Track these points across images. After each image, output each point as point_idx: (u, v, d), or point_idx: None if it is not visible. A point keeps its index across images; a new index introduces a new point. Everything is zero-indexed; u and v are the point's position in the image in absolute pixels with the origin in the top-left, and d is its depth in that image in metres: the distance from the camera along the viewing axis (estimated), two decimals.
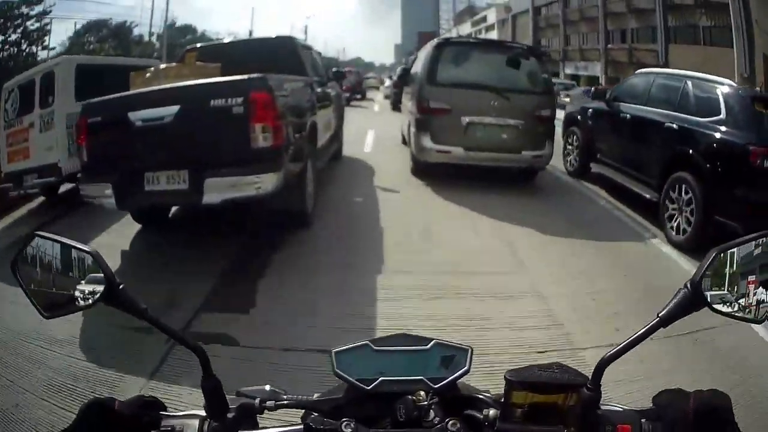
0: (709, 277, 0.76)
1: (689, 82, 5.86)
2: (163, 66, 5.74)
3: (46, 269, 0.82)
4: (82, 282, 0.81)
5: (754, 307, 0.77)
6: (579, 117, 8.30)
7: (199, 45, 7.34)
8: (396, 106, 16.64)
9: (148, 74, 5.29)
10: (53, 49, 30.37)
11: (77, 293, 0.81)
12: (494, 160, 7.15)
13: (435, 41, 7.96)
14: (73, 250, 0.81)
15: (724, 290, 0.77)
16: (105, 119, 4.41)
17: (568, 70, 40.95)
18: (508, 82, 7.17)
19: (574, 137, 8.39)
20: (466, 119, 6.97)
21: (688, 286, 0.76)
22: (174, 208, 5.83)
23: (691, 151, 5.30)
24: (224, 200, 4.18)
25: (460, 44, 8.24)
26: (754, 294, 0.77)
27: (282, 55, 6.42)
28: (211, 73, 5.32)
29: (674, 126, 5.65)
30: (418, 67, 8.37)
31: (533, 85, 7.39)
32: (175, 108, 4.17)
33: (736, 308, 0.77)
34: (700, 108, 5.48)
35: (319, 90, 6.63)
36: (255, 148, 4.12)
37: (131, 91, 4.81)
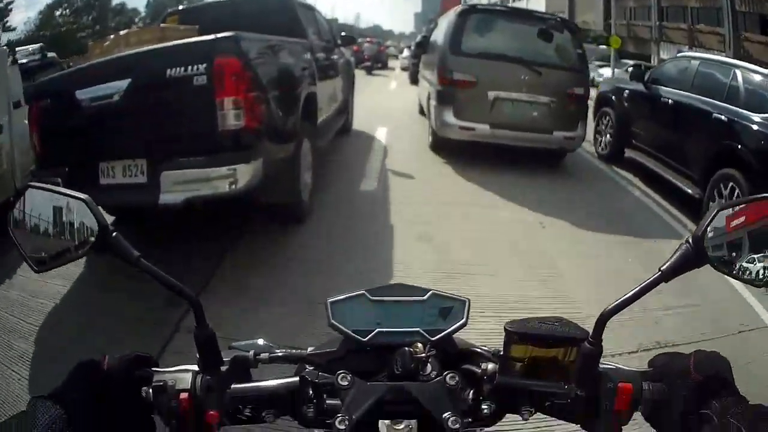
0: (711, 236, 0.73)
1: (739, 73, 5.43)
2: (123, 32, 4.95)
3: (39, 221, 0.76)
4: (74, 231, 0.76)
5: (757, 270, 0.74)
6: (613, 97, 7.73)
7: (180, 7, 6.54)
8: (415, 78, 15.30)
9: (107, 42, 4.51)
10: (13, 29, 26.11)
11: (69, 243, 0.76)
12: (522, 140, 6.52)
13: (459, 8, 7.16)
14: (65, 198, 0.75)
15: (724, 250, 0.74)
16: (53, 100, 3.67)
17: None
18: (539, 56, 6.53)
19: (608, 119, 7.80)
20: (492, 94, 6.36)
21: (690, 241, 0.73)
22: None
23: (740, 146, 4.89)
24: (186, 199, 3.30)
25: (487, 12, 7.34)
26: (757, 257, 0.74)
27: (277, 16, 5.55)
28: (182, 36, 4.50)
29: (723, 118, 5.19)
30: (438, 36, 7.72)
31: (566, 60, 6.73)
32: (125, 82, 3.34)
33: (737, 268, 0.74)
34: (753, 101, 5.09)
35: (322, 56, 5.80)
36: (224, 129, 3.26)
37: (79, 65, 4.02)
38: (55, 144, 3.68)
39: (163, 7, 30.24)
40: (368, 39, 25.09)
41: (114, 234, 0.75)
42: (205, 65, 3.23)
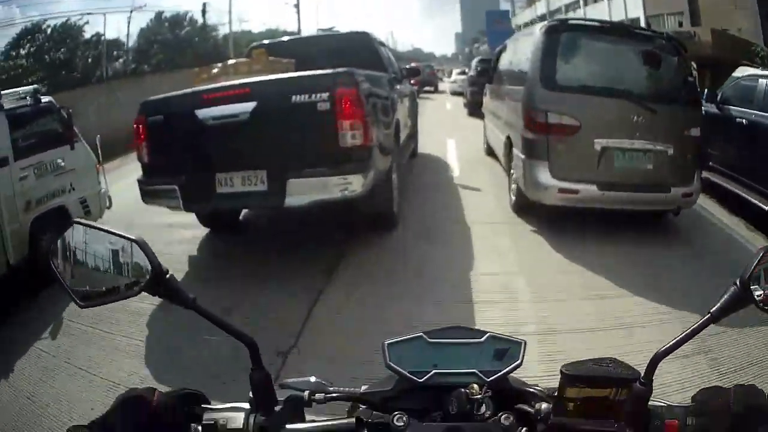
0: (760, 276, 0.77)
1: None
2: (231, 61, 5.46)
3: (84, 257, 0.80)
4: (124, 270, 0.79)
5: None
6: None
7: (266, 41, 7.09)
8: (473, 110, 13.93)
9: (214, 70, 5.02)
10: None
11: (118, 282, 0.79)
12: (635, 203, 5.12)
13: (545, 24, 5.48)
14: (115, 238, 0.79)
15: None
16: (168, 117, 4.22)
17: None
18: (649, 88, 5.20)
19: None
20: (600, 142, 4.91)
21: (737, 283, 0.77)
22: (244, 212, 5.65)
23: None
24: (310, 202, 3.97)
25: (582, 29, 5.54)
26: None
27: (358, 51, 6.20)
28: (285, 68, 5.06)
29: None
30: (513, 61, 6.59)
31: (679, 92, 5.30)
32: (251, 105, 3.94)
33: None
34: None
35: (397, 86, 6.40)
36: (343, 146, 3.89)
37: (197, 88, 4.58)
38: (167, 156, 4.24)
39: (154, 36, 23.47)
40: (416, 64, 26.03)
41: (168, 276, 0.79)
42: (327, 94, 3.88)
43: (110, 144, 9.22)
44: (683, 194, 5.08)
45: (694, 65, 5.73)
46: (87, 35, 20.51)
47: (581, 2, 35.49)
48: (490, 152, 8.35)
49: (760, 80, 6.35)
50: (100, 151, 5.33)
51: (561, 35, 5.22)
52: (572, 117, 4.91)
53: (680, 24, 23.20)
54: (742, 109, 6.37)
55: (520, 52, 6.20)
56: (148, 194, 4.35)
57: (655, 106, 4.94)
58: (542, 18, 35.53)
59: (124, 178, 6.30)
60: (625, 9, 26.00)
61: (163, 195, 4.20)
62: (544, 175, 4.98)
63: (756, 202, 5.60)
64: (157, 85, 13.55)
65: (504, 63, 7.43)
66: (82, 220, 0.82)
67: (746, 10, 21.17)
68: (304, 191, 3.91)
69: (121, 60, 21.68)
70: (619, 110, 4.95)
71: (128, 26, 21.65)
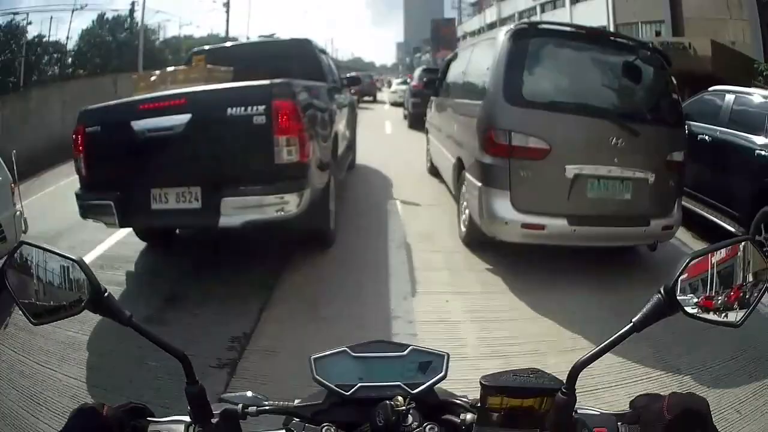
0: (684, 283, 0.78)
1: None
2: (170, 69, 5.37)
3: (33, 277, 0.84)
4: (67, 289, 0.83)
5: (731, 311, 0.78)
6: None
7: (206, 47, 6.99)
8: (415, 122, 13.38)
9: (152, 78, 4.95)
10: None
11: (63, 300, 0.84)
12: (610, 239, 4.48)
13: (510, 28, 4.62)
14: (58, 257, 0.84)
15: (699, 296, 0.78)
16: (105, 128, 4.05)
17: None
18: (629, 105, 4.56)
19: None
20: (572, 169, 4.21)
21: (662, 291, 0.78)
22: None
23: None
24: (245, 222, 3.81)
25: (553, 35, 4.65)
26: (730, 298, 0.78)
27: (298, 58, 6.13)
28: (223, 77, 5.02)
29: (765, 153, 5.11)
30: (467, 71, 5.90)
31: (661, 111, 4.64)
32: (185, 117, 3.80)
33: (711, 313, 0.79)
34: None
35: (336, 96, 6.37)
36: (279, 163, 3.78)
37: (134, 97, 4.43)
38: (103, 169, 4.07)
39: (95, 40, 22.05)
40: (357, 74, 26.26)
41: (106, 294, 0.84)
42: (264, 106, 3.74)
43: (35, 157, 8.71)
44: (663, 227, 4.47)
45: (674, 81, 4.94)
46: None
47: (537, 9, 31.99)
48: (434, 171, 7.73)
49: (726, 96, 6.20)
50: (15, 169, 4.63)
51: (529, 41, 4.45)
52: (540, 138, 4.20)
53: (657, 33, 21.59)
54: (704, 125, 6.19)
55: (477, 60, 5.49)
56: (86, 209, 4.17)
57: (637, 126, 4.30)
58: (491, 26, 33.77)
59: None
60: (591, 16, 23.63)
61: (100, 210, 4.04)
62: (504, 207, 4.23)
63: (725, 225, 5.47)
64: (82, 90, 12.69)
65: (455, 73, 6.79)
66: (29, 241, 0.85)
67: (741, 22, 18.70)
68: (238, 210, 3.76)
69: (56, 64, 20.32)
70: (595, 131, 4.27)
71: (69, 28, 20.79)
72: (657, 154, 4.40)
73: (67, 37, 20.72)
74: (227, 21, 29.86)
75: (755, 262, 0.80)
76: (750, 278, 0.80)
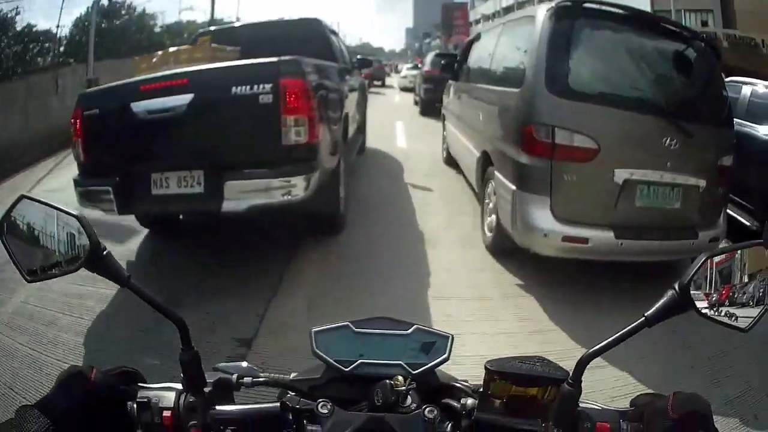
0: (698, 282, 0.76)
1: None
2: (173, 49, 5.18)
3: (32, 232, 0.81)
4: (66, 246, 0.80)
5: (741, 316, 0.77)
6: None
7: (212, 28, 6.78)
8: (428, 108, 12.51)
9: (154, 59, 4.76)
10: None
11: (61, 257, 0.81)
12: (657, 254, 3.93)
13: (550, 6, 3.95)
14: (59, 213, 0.81)
15: (712, 296, 0.77)
16: (104, 111, 3.88)
17: None
18: (683, 102, 3.93)
19: None
20: (623, 173, 3.68)
21: (676, 288, 0.76)
22: None
23: None
24: (249, 207, 3.62)
25: (602, 15, 3.99)
26: (742, 302, 0.77)
27: (308, 39, 5.90)
28: (229, 56, 4.85)
29: None
30: (497, 54, 5.26)
31: (714, 109, 4.10)
32: (187, 97, 3.59)
33: (722, 314, 0.77)
34: None
35: (347, 78, 6.19)
36: (287, 144, 3.57)
37: (134, 78, 4.23)
38: (102, 153, 3.90)
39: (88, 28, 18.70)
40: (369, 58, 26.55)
41: (105, 252, 0.80)
42: (271, 85, 3.54)
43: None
44: (711, 239, 3.94)
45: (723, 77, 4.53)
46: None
47: None
48: (451, 161, 7.27)
49: (743, 88, 5.97)
50: None
51: (574, 21, 3.85)
52: (588, 137, 3.63)
53: (704, 23, 20.15)
54: None
55: (509, 42, 4.94)
56: (83, 196, 3.98)
57: (691, 126, 3.76)
58: (508, 10, 32.40)
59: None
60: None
61: (97, 196, 3.85)
62: (543, 217, 3.68)
63: (740, 218, 5.34)
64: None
65: (479, 56, 6.20)
66: (30, 195, 0.81)
67: None
68: (243, 194, 3.59)
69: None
70: (648, 130, 3.74)
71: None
72: (709, 158, 3.91)
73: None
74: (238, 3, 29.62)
75: None
76: (764, 283, 0.78)
